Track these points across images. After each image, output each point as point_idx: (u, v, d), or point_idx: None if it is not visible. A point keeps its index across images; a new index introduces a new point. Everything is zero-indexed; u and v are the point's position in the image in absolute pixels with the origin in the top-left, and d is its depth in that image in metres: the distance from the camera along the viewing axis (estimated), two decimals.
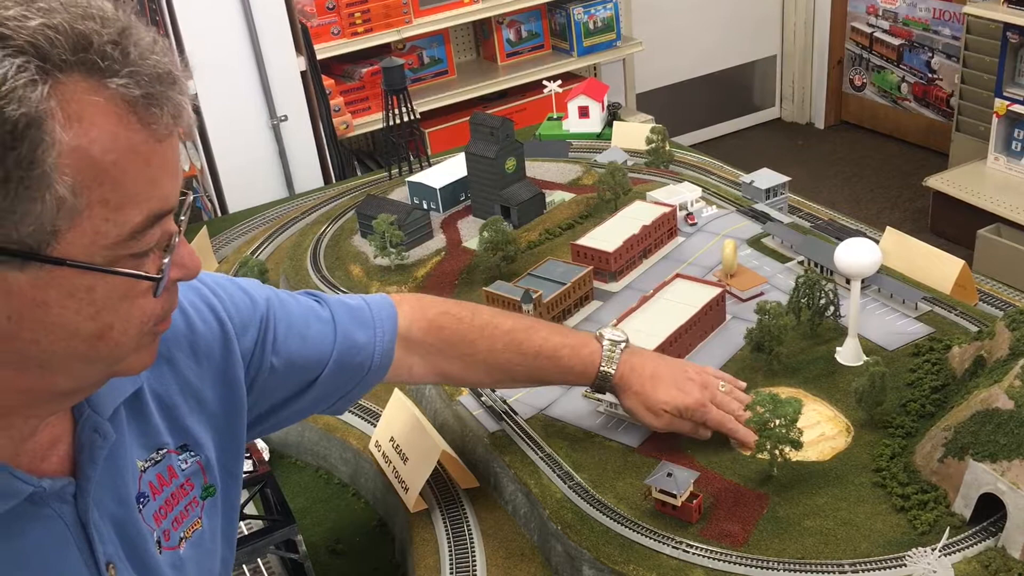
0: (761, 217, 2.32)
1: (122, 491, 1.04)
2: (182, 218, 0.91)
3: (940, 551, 1.30)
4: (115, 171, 0.81)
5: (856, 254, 1.66)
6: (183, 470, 1.12)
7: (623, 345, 1.60)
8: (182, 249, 0.92)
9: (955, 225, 4.71)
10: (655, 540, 1.43)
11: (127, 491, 1.04)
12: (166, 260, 0.89)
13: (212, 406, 1.17)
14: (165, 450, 1.10)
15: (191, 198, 0.93)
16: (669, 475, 1.46)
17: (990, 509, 1.36)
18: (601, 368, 1.58)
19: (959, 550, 1.34)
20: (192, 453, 1.13)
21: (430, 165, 2.78)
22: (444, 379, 1.58)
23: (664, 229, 2.25)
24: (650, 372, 1.59)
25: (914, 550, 1.30)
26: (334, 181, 3.62)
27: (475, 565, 1.54)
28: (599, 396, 1.72)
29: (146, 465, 1.08)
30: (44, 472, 0.96)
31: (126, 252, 0.84)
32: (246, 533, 1.65)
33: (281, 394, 1.31)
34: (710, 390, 1.61)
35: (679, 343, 1.83)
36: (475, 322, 1.53)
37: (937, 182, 4.82)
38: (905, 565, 1.32)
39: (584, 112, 3.09)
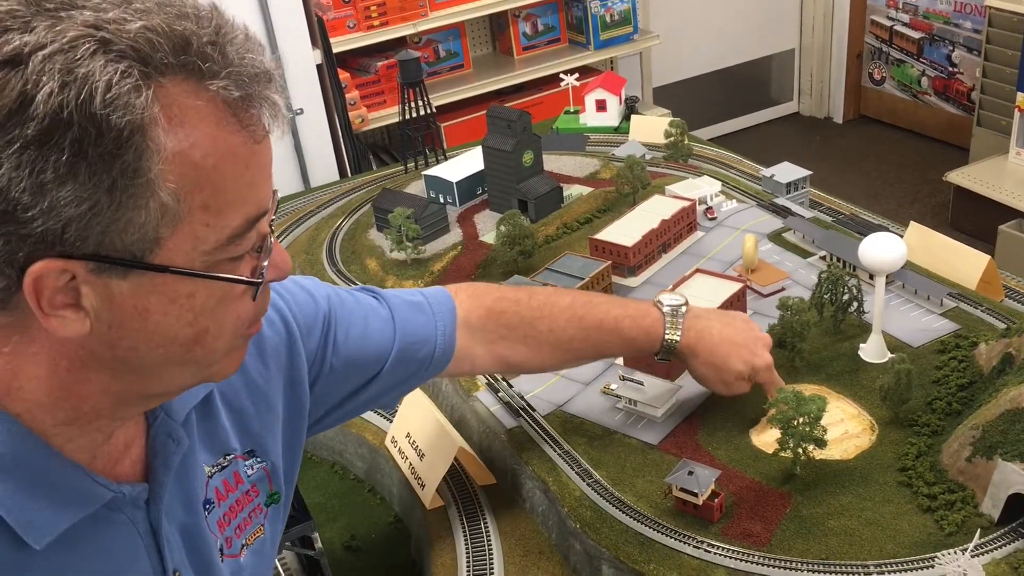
0: (782, 211, 2.29)
1: (191, 497, 1.02)
2: (273, 217, 0.89)
3: (971, 552, 1.27)
4: (215, 175, 0.79)
5: (881, 249, 1.63)
6: (248, 476, 1.10)
7: (683, 309, 1.56)
8: (274, 250, 0.90)
9: (976, 220, 4.65)
10: (676, 539, 1.41)
11: (196, 497, 1.03)
12: (264, 263, 0.87)
13: (280, 410, 1.15)
14: (232, 455, 1.08)
15: (278, 196, 0.92)
16: (690, 473, 1.43)
17: (1019, 510, 1.33)
18: (666, 337, 1.54)
19: (987, 551, 1.31)
20: (259, 459, 1.12)
21: (446, 159, 2.76)
22: (507, 366, 1.54)
23: (684, 223, 2.22)
24: (718, 338, 1.56)
25: (944, 552, 1.28)
26: (350, 175, 3.61)
27: (492, 563, 1.53)
28: (616, 391, 1.70)
29: (213, 471, 1.06)
30: (118, 476, 0.94)
31: (224, 256, 0.83)
32: None
33: (340, 393, 1.29)
34: (769, 345, 1.61)
35: None
36: (533, 303, 1.50)
37: (958, 177, 4.77)
38: (932, 567, 1.30)
39: (601, 105, 3.07)
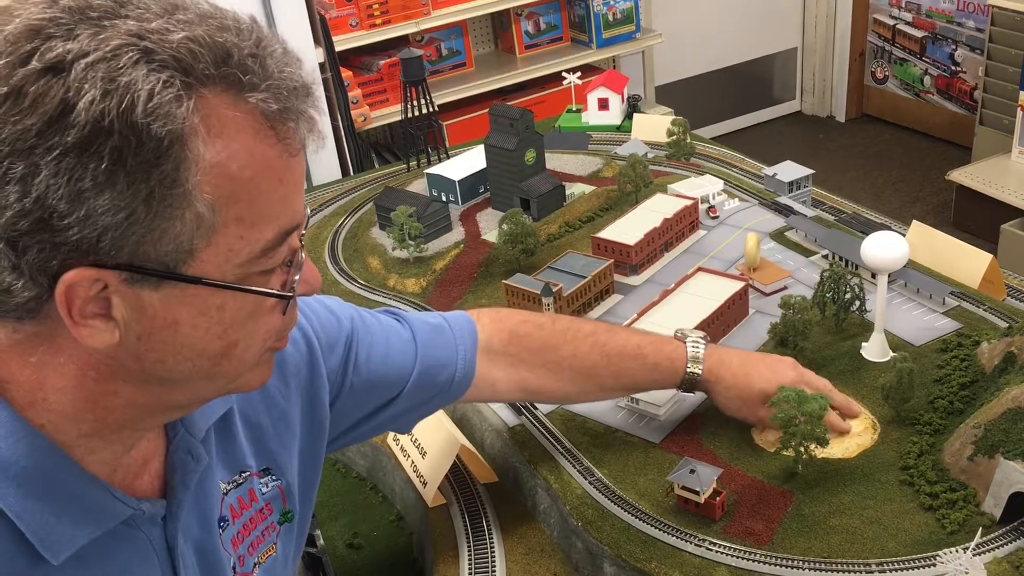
0: (784, 210, 2.28)
1: (207, 515, 1.02)
2: (303, 232, 0.90)
3: (972, 551, 1.27)
4: (251, 187, 0.79)
5: (883, 248, 1.63)
6: (263, 494, 1.10)
7: (704, 343, 1.56)
8: (304, 264, 0.90)
9: (978, 220, 4.65)
10: (678, 538, 1.41)
11: (211, 515, 1.02)
12: (296, 277, 0.87)
13: (297, 428, 1.15)
14: (248, 473, 1.08)
15: (309, 212, 0.92)
16: (692, 471, 1.44)
17: (1020, 509, 1.33)
18: (688, 363, 1.53)
19: (989, 550, 1.31)
20: (274, 477, 1.11)
21: (448, 157, 2.76)
22: (527, 393, 1.53)
23: (686, 222, 2.22)
24: (738, 363, 1.55)
25: (946, 550, 1.28)
26: (352, 173, 3.61)
27: (494, 561, 1.53)
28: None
29: (228, 488, 1.06)
30: (136, 491, 0.94)
31: (256, 269, 0.83)
32: None
33: (359, 413, 1.29)
34: (799, 369, 1.58)
35: None
36: (556, 327, 1.49)
37: (960, 176, 4.76)
38: (933, 565, 1.30)
39: (604, 104, 3.07)
